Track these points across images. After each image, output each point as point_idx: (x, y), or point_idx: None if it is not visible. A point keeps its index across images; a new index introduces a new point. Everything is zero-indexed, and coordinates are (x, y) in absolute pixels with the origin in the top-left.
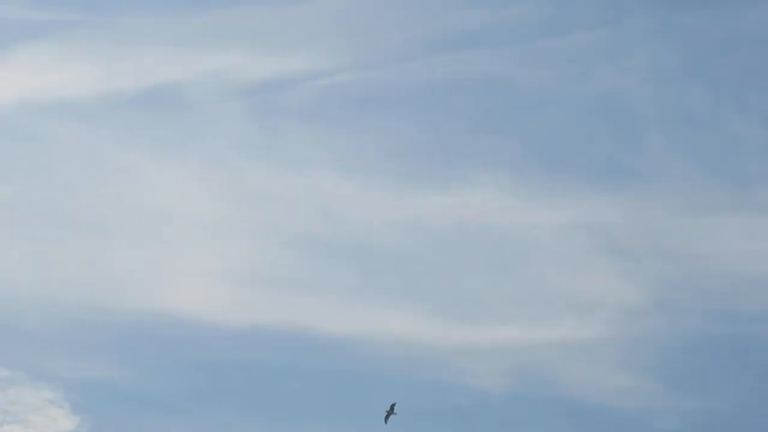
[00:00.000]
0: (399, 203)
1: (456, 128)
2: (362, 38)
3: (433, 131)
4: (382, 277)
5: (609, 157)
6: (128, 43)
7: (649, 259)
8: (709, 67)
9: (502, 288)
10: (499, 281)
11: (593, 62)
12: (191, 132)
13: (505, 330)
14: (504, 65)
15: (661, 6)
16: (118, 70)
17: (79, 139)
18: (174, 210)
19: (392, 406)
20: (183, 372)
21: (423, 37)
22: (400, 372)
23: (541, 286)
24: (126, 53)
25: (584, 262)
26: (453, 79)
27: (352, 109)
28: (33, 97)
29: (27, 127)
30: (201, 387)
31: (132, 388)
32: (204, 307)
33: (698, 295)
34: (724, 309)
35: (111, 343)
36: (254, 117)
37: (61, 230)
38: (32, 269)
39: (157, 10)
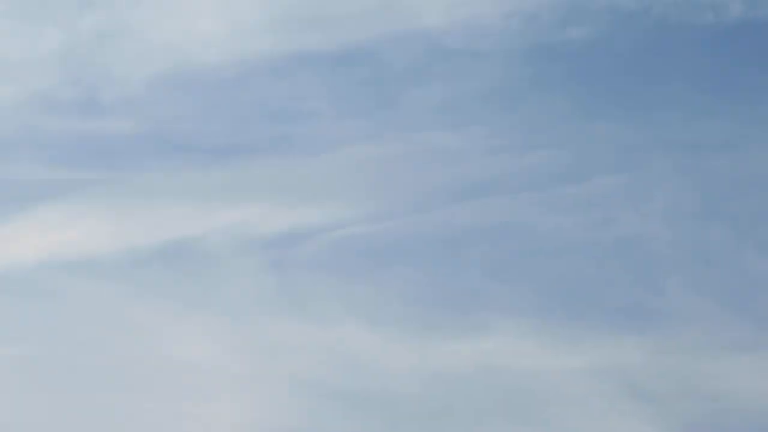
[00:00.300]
0: (420, 352)
1: (475, 276)
2: (380, 189)
3: (452, 280)
4: (406, 425)
5: (630, 300)
6: (146, 199)
7: (674, 400)
8: (728, 208)
9: None
10: (521, 427)
11: (613, 207)
12: (211, 286)
13: None
14: (523, 212)
15: (679, 149)
16: (137, 226)
17: (98, 296)
18: (196, 364)
19: None
20: None
21: (441, 186)
22: None
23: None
24: (144, 209)
25: (608, 405)
26: (472, 227)
27: (370, 259)
28: (52, 255)
29: (47, 286)
30: None
31: None
32: None
33: None
34: None
35: None
36: (273, 270)
37: (84, 387)
38: (55, 429)
39: (174, 165)
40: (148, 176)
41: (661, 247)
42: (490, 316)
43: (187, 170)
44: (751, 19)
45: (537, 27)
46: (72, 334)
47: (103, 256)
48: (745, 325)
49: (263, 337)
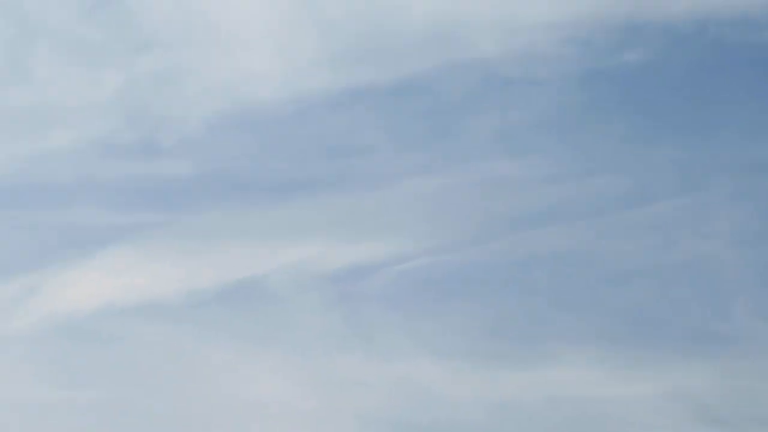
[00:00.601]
0: (487, 383)
1: (539, 305)
2: (440, 221)
3: (516, 309)
4: None
5: (696, 324)
6: (207, 240)
7: (743, 424)
8: None
9: None
10: None
11: (675, 230)
12: (276, 324)
13: None
14: (584, 239)
15: (739, 170)
16: (199, 268)
17: (164, 339)
18: (264, 403)
19: None
20: None
21: (501, 216)
22: None
23: None
24: (206, 250)
25: (678, 431)
26: (534, 255)
27: (434, 291)
28: (116, 299)
29: (112, 330)
30: None
31: None
32: None
33: None
34: None
35: None
36: (337, 305)
37: (151, 431)
38: None
39: (234, 205)
40: (209, 217)
41: (725, 269)
42: (555, 345)
43: (248, 209)
44: None
45: (592, 52)
46: (138, 377)
47: (166, 298)
48: None
49: (330, 373)
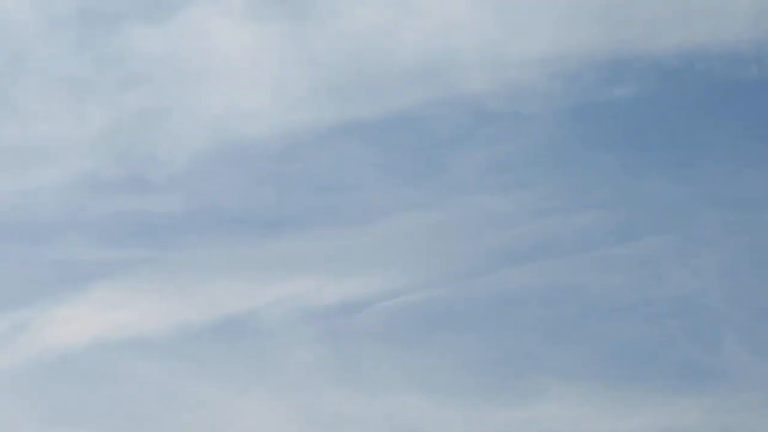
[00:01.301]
0: (478, 419)
1: (529, 340)
2: (430, 256)
3: (506, 345)
4: None
5: (686, 359)
6: (196, 276)
7: None
8: None
9: None
10: None
11: (664, 265)
12: (265, 359)
13: None
14: (575, 274)
15: (728, 205)
16: (189, 304)
17: (154, 375)
18: None
19: None
20: None
21: (491, 251)
22: None
23: None
24: (195, 286)
25: None
26: (524, 290)
27: (424, 327)
28: (105, 336)
29: (101, 367)
30: None
31: None
32: None
33: None
34: None
35: None
36: (327, 341)
37: None
38: None
39: (223, 241)
40: (198, 253)
41: (714, 304)
42: (545, 381)
43: (237, 245)
44: None
45: (581, 87)
46: (128, 413)
47: (156, 335)
48: None
49: (321, 409)
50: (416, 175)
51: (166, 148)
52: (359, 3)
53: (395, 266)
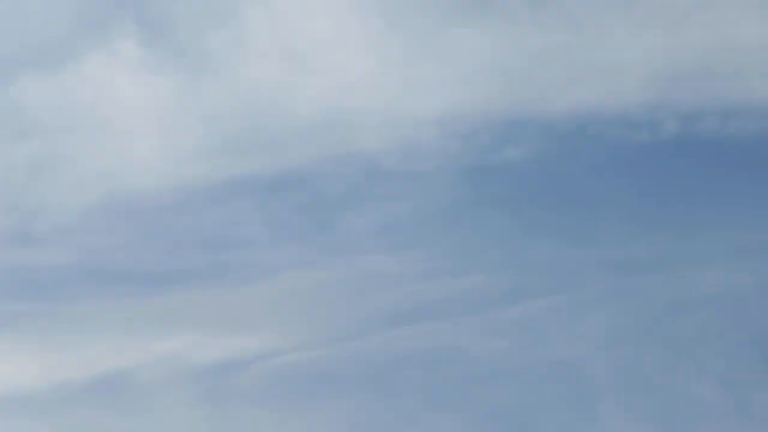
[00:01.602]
0: None
1: (410, 403)
2: (316, 315)
3: (387, 408)
4: None
5: (563, 426)
6: (78, 330)
7: None
8: (664, 329)
9: None
10: None
11: (547, 330)
12: (144, 419)
13: None
14: (459, 337)
15: (614, 269)
16: (69, 360)
17: None
18: None
19: None
20: None
21: (377, 312)
22: None
23: None
24: (76, 342)
25: None
26: (407, 353)
27: (304, 389)
28: None
29: None
30: None
31: None
32: None
33: None
34: None
35: None
36: (207, 401)
37: None
38: None
39: (108, 295)
40: (81, 307)
41: (594, 370)
42: None
43: (121, 300)
44: (686, 136)
45: (474, 148)
46: None
47: (33, 391)
48: None
49: None
50: (306, 234)
51: (55, 200)
52: (257, 58)
53: (280, 325)
